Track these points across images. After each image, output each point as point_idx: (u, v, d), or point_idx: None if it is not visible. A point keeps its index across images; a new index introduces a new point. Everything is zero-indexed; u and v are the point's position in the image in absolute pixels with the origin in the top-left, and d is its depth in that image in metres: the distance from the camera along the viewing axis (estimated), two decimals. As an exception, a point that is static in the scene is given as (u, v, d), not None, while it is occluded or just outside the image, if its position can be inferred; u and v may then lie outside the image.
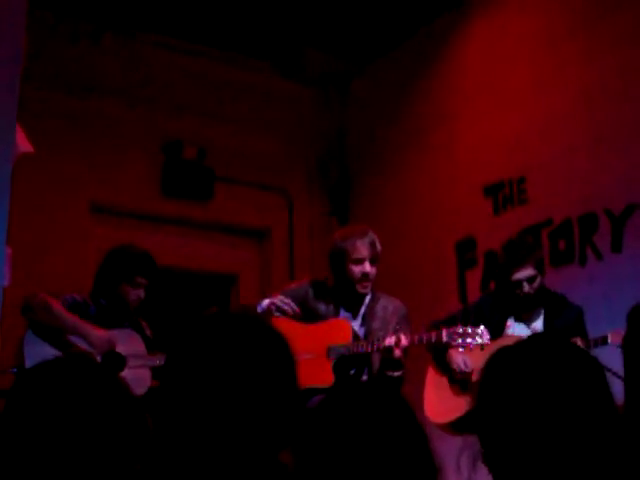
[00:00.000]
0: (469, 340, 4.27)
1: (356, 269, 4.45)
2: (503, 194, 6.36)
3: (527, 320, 4.73)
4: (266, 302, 4.43)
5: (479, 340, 4.26)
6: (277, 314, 4.37)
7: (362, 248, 4.46)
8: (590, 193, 5.76)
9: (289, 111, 7.66)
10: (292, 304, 4.43)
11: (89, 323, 4.43)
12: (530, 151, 6.19)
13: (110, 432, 1.79)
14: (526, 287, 4.62)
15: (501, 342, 4.49)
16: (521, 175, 6.23)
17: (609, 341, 4.32)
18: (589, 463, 1.57)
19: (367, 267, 4.46)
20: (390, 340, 4.24)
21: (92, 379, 1.86)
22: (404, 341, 4.23)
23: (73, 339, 4.37)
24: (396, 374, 4.28)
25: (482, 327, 4.31)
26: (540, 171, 6.11)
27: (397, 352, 4.22)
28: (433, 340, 4.34)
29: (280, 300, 4.43)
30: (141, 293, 4.61)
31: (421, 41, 7.16)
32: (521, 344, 1.76)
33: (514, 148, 6.30)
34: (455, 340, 4.29)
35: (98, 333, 4.40)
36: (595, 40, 5.86)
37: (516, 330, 4.69)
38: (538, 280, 4.65)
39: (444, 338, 4.29)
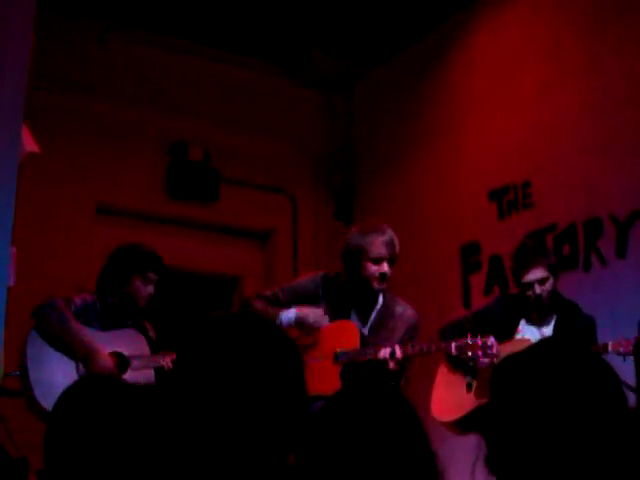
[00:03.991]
0: (479, 353, 4.16)
1: (373, 268, 4.33)
2: (508, 199, 6.36)
3: (539, 324, 4.72)
4: (292, 315, 4.36)
5: (488, 352, 4.15)
6: (315, 328, 4.32)
7: (381, 247, 4.34)
8: (595, 198, 5.75)
9: (295, 113, 7.66)
10: (324, 316, 4.36)
11: (98, 345, 4.39)
12: (535, 156, 6.19)
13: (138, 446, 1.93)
14: (537, 289, 4.60)
15: (510, 345, 4.50)
16: (526, 180, 6.23)
17: (609, 349, 4.31)
18: (600, 470, 1.56)
19: (385, 267, 4.33)
20: (385, 352, 4.17)
21: (121, 401, 1.94)
22: (398, 353, 4.16)
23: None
24: (391, 384, 4.20)
25: (492, 339, 4.20)
26: (545, 176, 6.11)
27: (391, 364, 4.16)
28: (442, 351, 4.30)
29: (312, 315, 4.35)
30: (151, 289, 4.61)
31: (427, 45, 7.16)
32: (532, 348, 1.75)
33: (519, 153, 6.30)
34: (464, 353, 4.19)
35: (102, 358, 4.35)
36: (601, 46, 5.85)
37: (526, 334, 4.68)
38: (550, 282, 4.63)
39: (453, 351, 4.21)
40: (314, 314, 4.36)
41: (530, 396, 1.61)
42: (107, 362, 4.35)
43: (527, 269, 4.62)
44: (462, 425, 4.69)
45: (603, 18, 5.87)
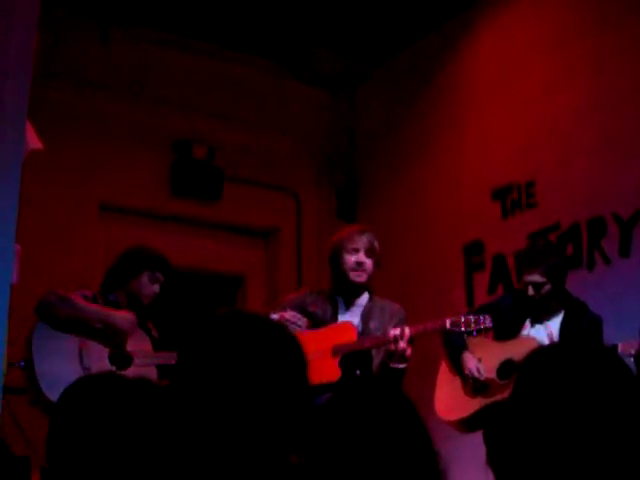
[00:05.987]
0: (472, 327, 4.29)
1: (351, 258, 4.49)
2: (512, 198, 6.36)
3: (542, 322, 4.72)
4: (275, 317, 4.46)
5: (482, 326, 4.28)
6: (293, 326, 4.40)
7: (358, 239, 4.52)
8: (598, 197, 5.75)
9: (298, 112, 7.66)
10: (303, 319, 4.47)
11: (107, 306, 4.47)
12: (539, 155, 6.18)
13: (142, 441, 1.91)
14: (530, 291, 4.62)
15: (516, 344, 4.52)
16: (530, 179, 6.22)
17: (619, 351, 4.30)
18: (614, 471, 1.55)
19: (362, 257, 4.49)
20: (395, 331, 4.26)
21: (123, 396, 1.95)
22: (408, 332, 4.25)
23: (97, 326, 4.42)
24: (400, 367, 4.29)
25: (485, 315, 4.33)
26: (549, 175, 6.10)
27: (401, 344, 4.23)
28: (438, 328, 4.36)
29: (291, 315, 4.46)
30: (157, 288, 4.63)
31: (430, 44, 7.16)
32: (562, 345, 1.73)
33: (523, 152, 6.29)
34: (458, 327, 4.31)
35: (122, 314, 4.44)
36: (605, 45, 5.85)
37: (532, 331, 4.69)
38: (546, 288, 4.62)
39: (447, 325, 4.31)
40: (294, 316, 4.48)
41: (556, 395, 1.59)
42: (126, 315, 4.41)
43: (525, 270, 4.65)
44: (469, 424, 4.69)
45: (607, 17, 5.87)
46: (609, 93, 5.80)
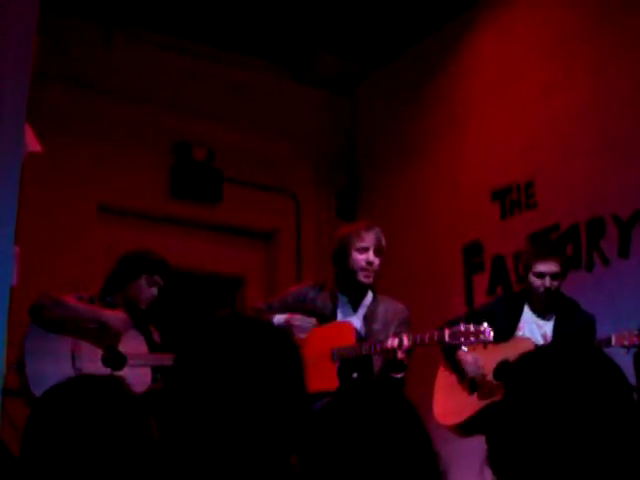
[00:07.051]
0: (472, 339, 4.24)
1: (360, 257, 4.43)
2: (511, 198, 6.36)
3: (541, 316, 4.71)
4: (282, 318, 4.43)
5: (482, 338, 4.24)
6: (300, 335, 4.36)
7: (367, 237, 4.45)
8: (598, 198, 5.75)
9: (298, 113, 7.66)
10: (311, 319, 4.43)
11: (102, 307, 4.49)
12: (538, 156, 6.19)
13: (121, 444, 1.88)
14: (547, 281, 4.58)
15: (512, 345, 4.51)
16: (529, 180, 6.23)
17: (613, 343, 4.32)
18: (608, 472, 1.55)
19: (371, 256, 4.43)
20: (393, 342, 4.23)
21: (104, 399, 1.92)
22: (406, 342, 4.21)
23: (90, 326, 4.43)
24: (398, 376, 4.28)
25: (485, 325, 4.26)
26: (548, 176, 6.11)
27: (399, 354, 4.21)
28: (435, 340, 4.32)
29: (299, 319, 4.43)
30: (155, 292, 4.63)
31: (431, 45, 7.16)
32: (551, 347, 1.73)
33: (522, 153, 6.30)
34: (458, 339, 4.26)
35: (114, 314, 4.45)
36: (605, 45, 5.85)
37: (526, 332, 4.68)
38: (559, 280, 4.61)
39: (446, 338, 4.27)
40: (302, 319, 4.44)
41: (547, 396, 1.60)
42: (119, 315, 4.41)
43: (544, 259, 4.59)
44: (466, 428, 4.69)
45: (607, 19, 5.87)
46: (609, 94, 5.80)
